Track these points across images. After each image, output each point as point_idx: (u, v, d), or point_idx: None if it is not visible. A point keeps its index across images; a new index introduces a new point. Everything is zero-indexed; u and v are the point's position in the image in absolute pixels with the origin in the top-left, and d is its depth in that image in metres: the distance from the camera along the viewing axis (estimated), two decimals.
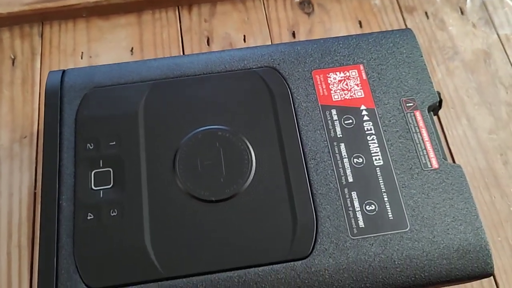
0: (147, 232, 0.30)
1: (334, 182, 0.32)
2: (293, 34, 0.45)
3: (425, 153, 0.33)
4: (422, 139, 0.33)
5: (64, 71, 0.35)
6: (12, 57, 0.43)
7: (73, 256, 0.30)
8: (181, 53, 0.43)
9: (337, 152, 0.33)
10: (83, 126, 0.33)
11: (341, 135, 0.33)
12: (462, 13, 0.46)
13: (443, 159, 0.33)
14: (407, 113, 0.34)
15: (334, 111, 0.34)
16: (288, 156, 0.32)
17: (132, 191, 0.31)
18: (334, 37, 0.37)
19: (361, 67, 0.36)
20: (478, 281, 0.35)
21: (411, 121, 0.34)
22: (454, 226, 0.31)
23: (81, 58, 0.43)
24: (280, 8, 0.46)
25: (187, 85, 0.35)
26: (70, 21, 0.44)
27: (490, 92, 0.42)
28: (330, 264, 0.30)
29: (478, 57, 0.44)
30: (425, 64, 0.36)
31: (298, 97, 0.34)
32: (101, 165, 0.32)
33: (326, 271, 0.29)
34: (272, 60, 0.36)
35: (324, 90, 0.35)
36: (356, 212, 0.31)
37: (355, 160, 0.33)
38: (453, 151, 0.40)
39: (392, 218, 0.31)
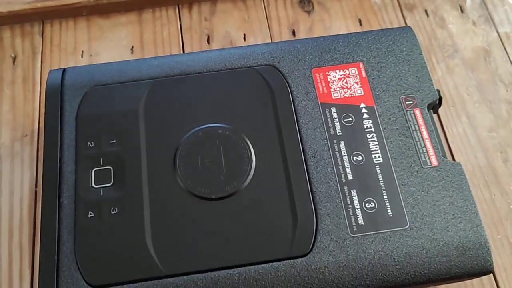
0: (148, 229, 0.30)
1: (333, 180, 0.32)
2: (293, 33, 0.45)
3: (424, 151, 0.33)
4: (422, 137, 0.33)
5: (64, 70, 0.36)
6: (13, 56, 0.43)
7: (74, 254, 0.30)
8: (181, 52, 0.44)
9: (336, 150, 0.33)
10: (84, 124, 0.33)
11: (340, 133, 0.33)
12: (462, 11, 0.46)
13: (442, 157, 0.33)
14: (406, 111, 0.34)
15: (333, 109, 0.34)
16: (288, 154, 0.32)
17: (133, 189, 0.31)
18: (333, 35, 0.37)
19: (361, 65, 0.36)
20: (478, 278, 0.35)
21: (410, 119, 0.34)
22: (453, 223, 0.31)
23: (82, 56, 0.43)
24: (280, 7, 0.46)
25: (187, 83, 0.35)
26: (71, 20, 0.44)
27: (490, 90, 0.42)
28: (330, 261, 0.30)
29: (478, 55, 0.44)
30: (424, 62, 0.36)
31: (298, 95, 0.35)
32: (101, 163, 0.32)
33: (326, 269, 0.29)
34: (272, 58, 0.36)
35: (324, 88, 0.35)
36: (356, 210, 0.31)
37: (354, 158, 0.33)
38: (453, 149, 0.40)
39: (391, 215, 0.31)
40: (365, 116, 0.34)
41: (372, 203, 0.31)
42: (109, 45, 0.44)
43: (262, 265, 0.29)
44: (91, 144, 0.33)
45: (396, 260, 0.30)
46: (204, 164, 0.32)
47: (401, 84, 0.35)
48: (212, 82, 0.35)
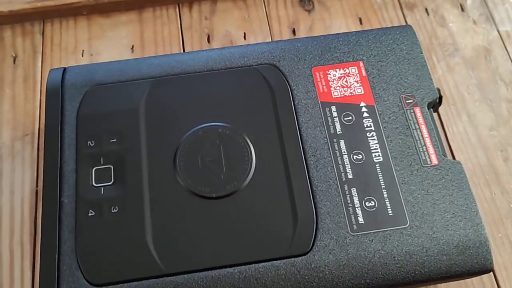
0: (148, 228, 0.30)
1: (334, 179, 0.32)
2: (293, 32, 0.45)
3: (424, 150, 0.33)
4: (422, 136, 0.33)
5: (65, 69, 0.36)
6: (14, 55, 0.43)
7: (74, 253, 0.30)
8: (182, 51, 0.44)
9: (336, 148, 0.33)
10: (84, 124, 0.33)
11: (340, 132, 0.33)
12: (462, 9, 0.46)
13: (442, 156, 0.33)
14: (406, 109, 0.34)
15: (333, 108, 0.34)
16: (288, 152, 0.32)
17: (133, 188, 0.31)
18: (334, 34, 0.37)
19: (361, 64, 0.36)
20: (478, 277, 0.35)
21: (410, 118, 0.34)
22: (453, 222, 0.31)
23: (82, 56, 0.43)
24: (280, 6, 0.46)
25: (187, 83, 0.35)
26: (71, 19, 0.45)
27: (491, 89, 0.42)
28: (330, 260, 0.30)
29: (479, 53, 0.44)
30: (425, 61, 0.36)
31: (298, 94, 0.35)
32: (102, 162, 0.32)
33: (326, 267, 0.30)
34: (272, 57, 0.36)
35: (324, 87, 0.35)
36: (356, 209, 0.31)
37: (354, 156, 0.33)
38: (453, 148, 0.40)
39: (391, 214, 0.31)
40: (365, 115, 0.34)
41: (372, 201, 0.31)
42: (109, 44, 0.44)
43: (263, 263, 0.29)
44: (92, 143, 0.33)
45: (396, 258, 0.30)
46: (204, 163, 0.32)
47: (401, 82, 0.35)
48: (212, 81, 0.35)
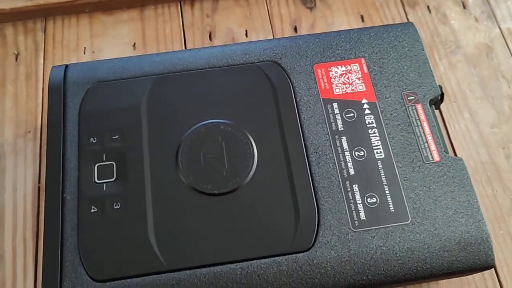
0: (150, 224, 0.30)
1: (335, 175, 0.32)
2: (295, 29, 0.45)
3: (426, 146, 0.33)
4: (424, 133, 0.33)
5: (67, 66, 0.36)
6: (16, 52, 0.43)
7: (77, 249, 0.30)
8: (184, 48, 0.44)
9: (338, 145, 0.33)
10: (86, 120, 0.33)
11: (342, 129, 0.33)
12: (464, 7, 0.46)
13: (444, 152, 0.33)
14: (408, 106, 0.34)
15: (335, 105, 0.34)
16: (290, 149, 0.33)
17: (135, 185, 0.31)
18: (335, 31, 0.37)
19: (363, 61, 0.36)
20: (480, 274, 0.35)
21: (412, 115, 0.34)
22: (455, 218, 0.31)
23: (84, 53, 0.43)
24: (282, 3, 0.46)
25: (189, 80, 0.35)
26: (73, 17, 0.45)
27: (493, 86, 0.42)
28: (332, 256, 0.30)
29: (481, 51, 0.44)
30: (426, 58, 0.36)
31: (300, 91, 0.35)
32: (104, 159, 0.32)
33: (328, 263, 0.30)
34: (274, 54, 0.36)
35: (326, 83, 0.35)
36: (358, 205, 0.31)
37: (356, 153, 0.33)
38: (455, 145, 0.40)
39: (393, 210, 0.31)
40: (367, 111, 0.34)
41: (374, 198, 0.31)
42: (111, 42, 0.44)
43: (265, 259, 0.30)
44: (94, 140, 0.33)
45: (398, 255, 0.30)
46: (206, 160, 0.32)
47: (403, 79, 0.35)
48: (214, 78, 0.35)
